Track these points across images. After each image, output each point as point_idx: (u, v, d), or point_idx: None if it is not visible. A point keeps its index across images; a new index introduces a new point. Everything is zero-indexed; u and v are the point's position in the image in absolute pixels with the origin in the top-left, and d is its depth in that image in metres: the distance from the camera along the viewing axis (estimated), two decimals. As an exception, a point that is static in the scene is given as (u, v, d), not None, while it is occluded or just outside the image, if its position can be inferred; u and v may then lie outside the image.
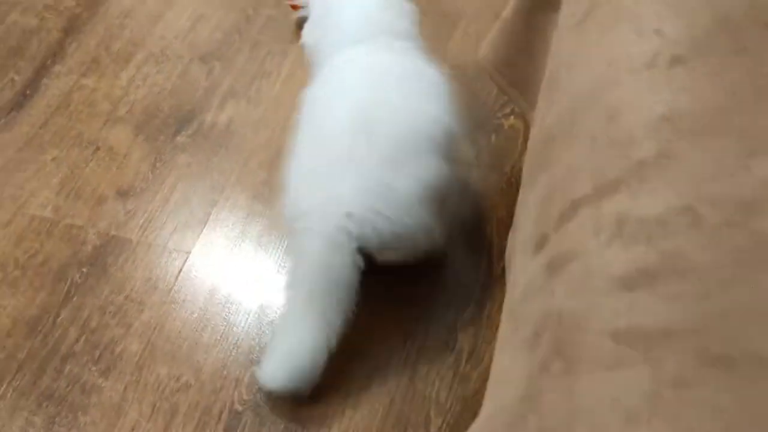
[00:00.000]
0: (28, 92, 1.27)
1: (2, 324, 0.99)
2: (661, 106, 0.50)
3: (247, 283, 1.03)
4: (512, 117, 1.21)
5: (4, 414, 0.91)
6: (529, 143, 0.71)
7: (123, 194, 1.13)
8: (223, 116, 1.22)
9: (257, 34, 1.34)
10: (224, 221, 1.09)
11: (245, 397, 0.92)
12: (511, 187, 1.12)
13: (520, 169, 1.16)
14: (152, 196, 1.12)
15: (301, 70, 1.18)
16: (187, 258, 1.05)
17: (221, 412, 0.90)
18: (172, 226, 1.09)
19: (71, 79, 1.28)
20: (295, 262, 0.93)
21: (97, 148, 1.18)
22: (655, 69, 0.53)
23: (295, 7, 1.32)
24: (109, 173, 1.15)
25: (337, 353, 0.90)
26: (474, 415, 0.90)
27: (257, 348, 0.96)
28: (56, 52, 1.33)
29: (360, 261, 0.88)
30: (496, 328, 0.98)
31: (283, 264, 1.04)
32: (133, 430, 0.89)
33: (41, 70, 1.30)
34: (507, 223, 1.08)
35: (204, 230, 1.09)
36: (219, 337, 0.97)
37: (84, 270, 1.04)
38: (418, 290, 1.00)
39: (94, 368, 0.94)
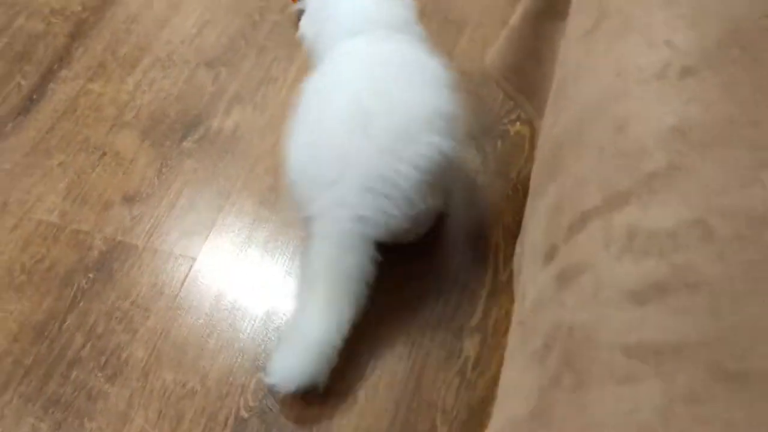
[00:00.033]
0: (34, 97, 1.27)
1: (9, 329, 0.99)
2: (671, 117, 0.50)
3: (253, 289, 1.03)
4: (518, 123, 1.21)
5: (11, 420, 0.91)
6: (537, 152, 0.71)
7: (129, 199, 1.13)
8: (230, 122, 1.22)
9: (263, 40, 1.34)
10: (230, 227, 1.10)
11: (251, 403, 0.91)
12: (518, 193, 1.12)
13: (527, 176, 1.17)
14: (158, 201, 1.13)
15: (307, 76, 1.17)
16: (193, 264, 1.06)
17: (227, 419, 0.90)
18: (178, 232, 1.09)
19: (78, 84, 1.29)
20: (308, 262, 0.94)
21: (104, 153, 1.19)
22: (665, 80, 0.53)
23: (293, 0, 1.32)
24: (116, 178, 1.16)
25: (344, 360, 0.90)
26: (480, 423, 0.90)
27: (263, 354, 0.96)
28: (63, 57, 1.33)
29: (373, 251, 0.91)
30: (503, 335, 0.98)
31: (289, 270, 1.04)
32: (139, 436, 0.90)
33: (48, 75, 1.30)
34: (513, 229, 1.08)
35: (210, 236, 1.09)
36: (225, 344, 0.97)
37: (90, 275, 1.04)
38: (424, 297, 1.00)
39: (100, 374, 0.94)
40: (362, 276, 0.89)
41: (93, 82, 1.29)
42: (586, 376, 0.42)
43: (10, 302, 1.02)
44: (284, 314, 1.00)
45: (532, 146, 1.18)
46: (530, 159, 1.17)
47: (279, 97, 1.26)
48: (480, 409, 0.90)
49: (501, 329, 0.98)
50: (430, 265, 1.03)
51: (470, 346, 0.96)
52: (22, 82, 1.29)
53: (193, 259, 1.06)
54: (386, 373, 0.93)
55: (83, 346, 0.97)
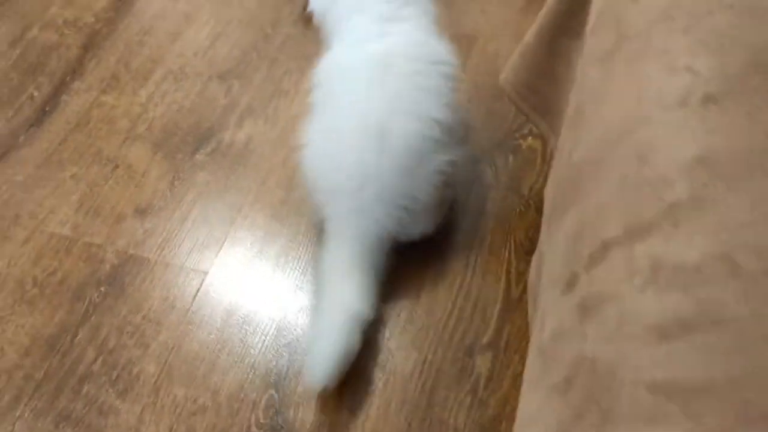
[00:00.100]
0: (47, 108, 1.27)
1: (20, 343, 0.99)
2: (694, 146, 0.50)
3: (264, 303, 1.03)
4: (530, 137, 1.20)
5: (22, 435, 0.91)
6: (555, 174, 0.70)
7: (141, 212, 1.13)
8: (242, 134, 1.22)
9: (275, 53, 1.34)
10: (242, 240, 1.09)
11: (262, 420, 0.91)
12: (529, 209, 1.12)
13: (538, 191, 1.16)
14: (170, 214, 1.13)
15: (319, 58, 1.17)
16: (204, 278, 1.05)
17: (238, 436, 0.90)
18: (189, 245, 1.09)
19: (91, 96, 1.29)
20: (326, 261, 0.98)
21: (116, 166, 1.19)
22: (688, 107, 0.52)
23: None
24: (128, 191, 1.16)
25: (355, 377, 0.90)
26: (493, 443, 0.89)
27: (274, 370, 0.95)
28: (75, 69, 1.33)
29: (387, 247, 0.97)
30: (515, 352, 0.98)
31: (300, 285, 1.04)
32: (150, 453, 0.89)
33: (61, 87, 1.30)
34: (525, 245, 1.07)
35: (222, 250, 1.09)
36: (236, 359, 0.97)
37: (102, 289, 1.04)
38: (435, 314, 1.00)
39: (111, 390, 0.94)
40: (377, 270, 0.95)
41: (106, 94, 1.29)
42: (612, 414, 0.41)
43: (22, 315, 1.02)
44: (295, 329, 0.99)
45: (544, 161, 1.18)
46: (542, 174, 1.16)
47: (290, 110, 1.26)
48: (491, 428, 0.90)
49: (513, 346, 0.97)
50: (442, 281, 1.03)
51: (482, 363, 0.96)
52: (35, 94, 1.30)
53: (205, 273, 1.06)
54: (398, 391, 0.93)
55: (95, 360, 0.97)
